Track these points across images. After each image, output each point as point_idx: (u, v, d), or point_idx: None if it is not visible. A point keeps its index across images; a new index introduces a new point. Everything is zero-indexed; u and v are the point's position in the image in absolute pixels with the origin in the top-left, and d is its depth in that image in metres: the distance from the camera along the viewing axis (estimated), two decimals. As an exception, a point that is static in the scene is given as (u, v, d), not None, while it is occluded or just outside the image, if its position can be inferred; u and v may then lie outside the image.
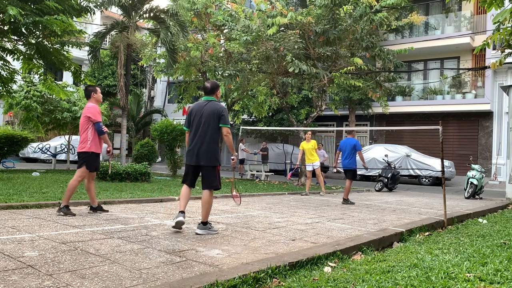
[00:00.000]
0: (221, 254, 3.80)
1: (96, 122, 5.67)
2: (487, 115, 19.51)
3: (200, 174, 4.96)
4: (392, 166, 14.02)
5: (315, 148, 11.21)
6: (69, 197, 5.61)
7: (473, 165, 12.25)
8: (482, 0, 6.32)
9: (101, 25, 20.83)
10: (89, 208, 6.00)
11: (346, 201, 8.95)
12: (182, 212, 4.83)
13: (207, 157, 4.83)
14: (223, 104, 18.03)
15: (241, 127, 12.99)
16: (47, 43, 11.84)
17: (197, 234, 4.76)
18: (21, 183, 9.13)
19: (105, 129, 5.76)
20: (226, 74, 14.11)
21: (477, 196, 11.95)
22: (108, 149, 5.84)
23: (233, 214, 6.52)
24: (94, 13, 13.01)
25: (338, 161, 9.38)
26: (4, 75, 12.18)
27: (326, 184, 15.35)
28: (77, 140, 21.45)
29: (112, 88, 25.86)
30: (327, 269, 3.48)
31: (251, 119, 23.35)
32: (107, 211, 6.04)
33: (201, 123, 4.85)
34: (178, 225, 4.77)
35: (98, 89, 6.03)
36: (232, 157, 5.21)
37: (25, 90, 14.76)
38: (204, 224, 4.83)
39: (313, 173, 11.41)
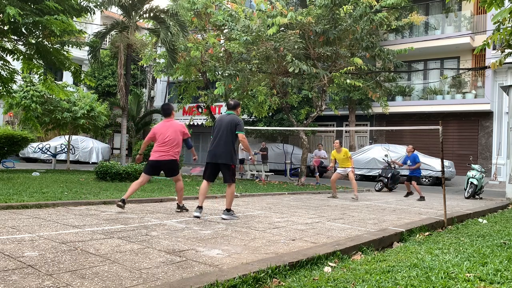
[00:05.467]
0: (221, 254, 3.80)
1: (188, 138, 6.60)
2: (487, 115, 19.51)
3: (220, 171, 6.07)
4: (392, 166, 14.01)
5: (348, 156, 10.51)
6: (181, 196, 6.56)
7: (473, 165, 12.26)
8: (482, 0, 6.32)
9: (101, 25, 20.83)
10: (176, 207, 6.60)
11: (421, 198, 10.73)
12: (200, 207, 5.98)
13: (224, 156, 5.92)
14: (223, 104, 18.14)
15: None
16: (47, 43, 11.84)
17: (222, 219, 5.86)
18: (21, 183, 9.13)
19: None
20: (226, 74, 14.10)
21: (477, 196, 11.95)
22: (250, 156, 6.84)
23: (233, 214, 6.52)
24: (94, 13, 13.01)
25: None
26: (4, 75, 12.19)
27: (326, 184, 15.35)
28: (77, 140, 21.50)
29: (112, 88, 25.85)
30: (327, 269, 3.48)
31: (251, 119, 23.35)
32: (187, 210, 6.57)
33: (221, 130, 6.02)
34: (197, 218, 5.86)
35: None
36: (250, 157, 6.39)
37: (24, 90, 14.76)
38: (228, 211, 5.94)
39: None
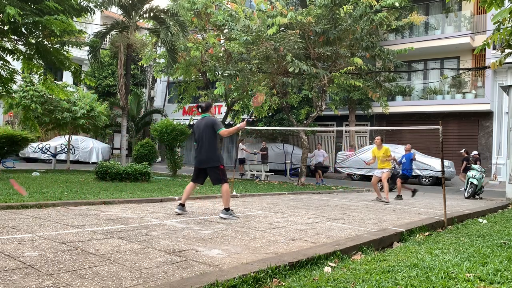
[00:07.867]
0: (221, 254, 3.80)
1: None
2: (487, 115, 19.51)
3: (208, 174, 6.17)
4: (392, 166, 13.99)
5: (387, 155, 9.69)
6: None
7: (473, 165, 12.25)
8: (482, 0, 6.32)
9: (101, 25, 20.84)
10: None
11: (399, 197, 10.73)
12: (182, 205, 6.20)
13: (208, 160, 6.08)
14: (223, 104, 18.26)
15: (241, 127, 12.97)
16: (47, 43, 11.83)
17: (221, 217, 5.92)
18: (21, 183, 9.13)
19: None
20: (226, 74, 14.10)
21: (477, 196, 11.95)
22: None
23: (233, 214, 6.51)
24: (94, 13, 13.00)
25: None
26: (4, 75, 12.18)
27: (326, 184, 15.36)
28: (77, 140, 21.51)
29: (112, 88, 25.85)
30: (327, 269, 3.48)
31: (251, 119, 23.35)
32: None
33: (201, 134, 6.14)
34: (177, 214, 6.13)
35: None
36: (242, 123, 6.35)
37: (24, 90, 14.76)
38: (226, 210, 6.00)
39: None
